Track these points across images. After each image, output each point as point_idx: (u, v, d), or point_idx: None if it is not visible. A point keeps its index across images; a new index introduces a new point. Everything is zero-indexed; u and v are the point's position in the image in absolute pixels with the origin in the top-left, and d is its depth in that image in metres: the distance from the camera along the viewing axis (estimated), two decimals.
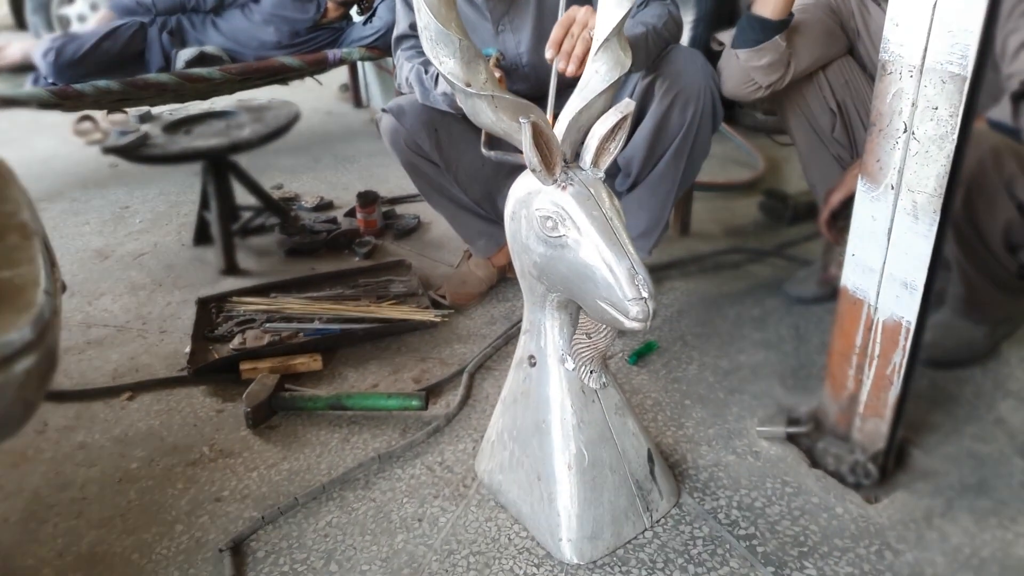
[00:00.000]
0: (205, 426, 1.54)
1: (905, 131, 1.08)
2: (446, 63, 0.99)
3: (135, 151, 1.97)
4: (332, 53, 2.90)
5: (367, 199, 2.30)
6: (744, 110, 2.87)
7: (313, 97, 3.90)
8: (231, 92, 2.77)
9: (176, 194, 2.80)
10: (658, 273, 1.97)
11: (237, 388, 1.60)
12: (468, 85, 1.01)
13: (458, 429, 1.48)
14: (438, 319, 1.80)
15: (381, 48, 2.92)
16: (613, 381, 1.20)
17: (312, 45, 2.95)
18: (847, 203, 1.53)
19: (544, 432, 1.17)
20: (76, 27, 2.87)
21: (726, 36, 1.50)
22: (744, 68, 1.47)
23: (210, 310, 1.91)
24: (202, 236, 2.34)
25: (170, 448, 1.48)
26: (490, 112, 1.03)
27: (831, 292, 1.77)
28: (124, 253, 2.35)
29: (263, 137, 2.06)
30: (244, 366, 1.66)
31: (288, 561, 1.20)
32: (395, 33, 1.72)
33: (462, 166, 1.71)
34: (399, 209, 2.50)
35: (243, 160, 2.31)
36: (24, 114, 3.73)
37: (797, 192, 2.28)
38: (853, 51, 1.57)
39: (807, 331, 1.72)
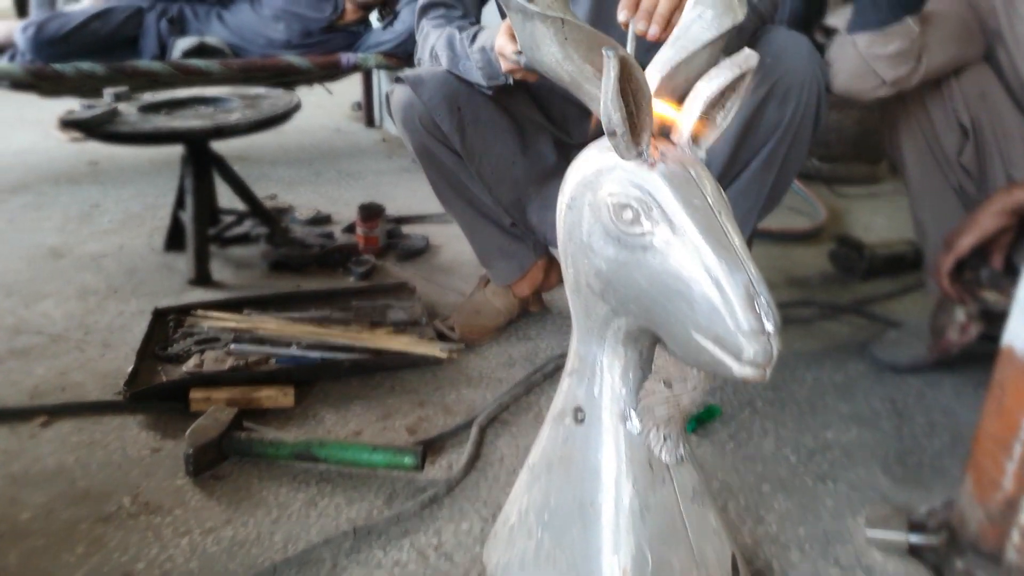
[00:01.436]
0: (133, 468, 1.20)
1: None
2: None
3: (98, 126, 1.65)
4: (346, 57, 2.64)
5: (370, 212, 1.98)
6: None
7: (322, 113, 3.64)
8: None
9: (155, 196, 2.48)
10: None
11: (183, 422, 1.26)
12: (530, 1, 0.70)
13: (462, 501, 1.12)
14: (444, 354, 1.44)
15: (400, 56, 2.66)
16: (691, 455, 0.85)
17: (325, 48, 2.69)
18: (978, 251, 1.20)
19: (591, 518, 0.82)
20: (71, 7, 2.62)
21: (838, 20, 1.20)
22: (864, 57, 1.15)
23: (167, 323, 1.57)
24: (175, 241, 2.01)
25: (80, 495, 1.14)
26: (555, 45, 0.71)
27: (935, 361, 1.43)
28: (82, 253, 2.03)
29: (254, 124, 1.74)
30: (195, 394, 1.33)
31: None
32: (420, 2, 1.42)
33: (489, 159, 1.36)
34: (406, 229, 2.18)
35: (234, 167, 2.01)
36: (8, 108, 3.51)
37: (874, 243, 1.96)
38: (990, 57, 1.27)
39: (907, 406, 1.36)
